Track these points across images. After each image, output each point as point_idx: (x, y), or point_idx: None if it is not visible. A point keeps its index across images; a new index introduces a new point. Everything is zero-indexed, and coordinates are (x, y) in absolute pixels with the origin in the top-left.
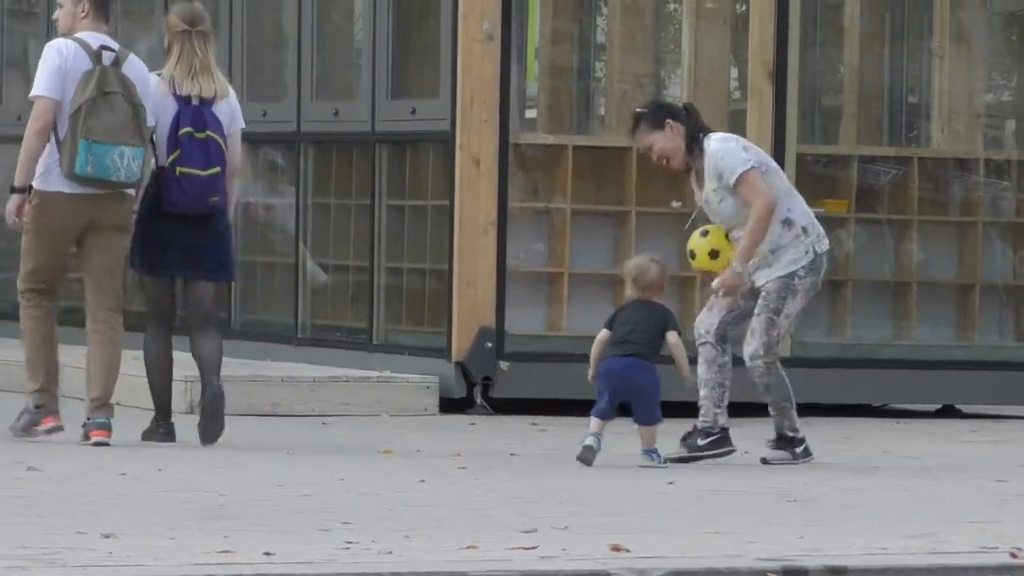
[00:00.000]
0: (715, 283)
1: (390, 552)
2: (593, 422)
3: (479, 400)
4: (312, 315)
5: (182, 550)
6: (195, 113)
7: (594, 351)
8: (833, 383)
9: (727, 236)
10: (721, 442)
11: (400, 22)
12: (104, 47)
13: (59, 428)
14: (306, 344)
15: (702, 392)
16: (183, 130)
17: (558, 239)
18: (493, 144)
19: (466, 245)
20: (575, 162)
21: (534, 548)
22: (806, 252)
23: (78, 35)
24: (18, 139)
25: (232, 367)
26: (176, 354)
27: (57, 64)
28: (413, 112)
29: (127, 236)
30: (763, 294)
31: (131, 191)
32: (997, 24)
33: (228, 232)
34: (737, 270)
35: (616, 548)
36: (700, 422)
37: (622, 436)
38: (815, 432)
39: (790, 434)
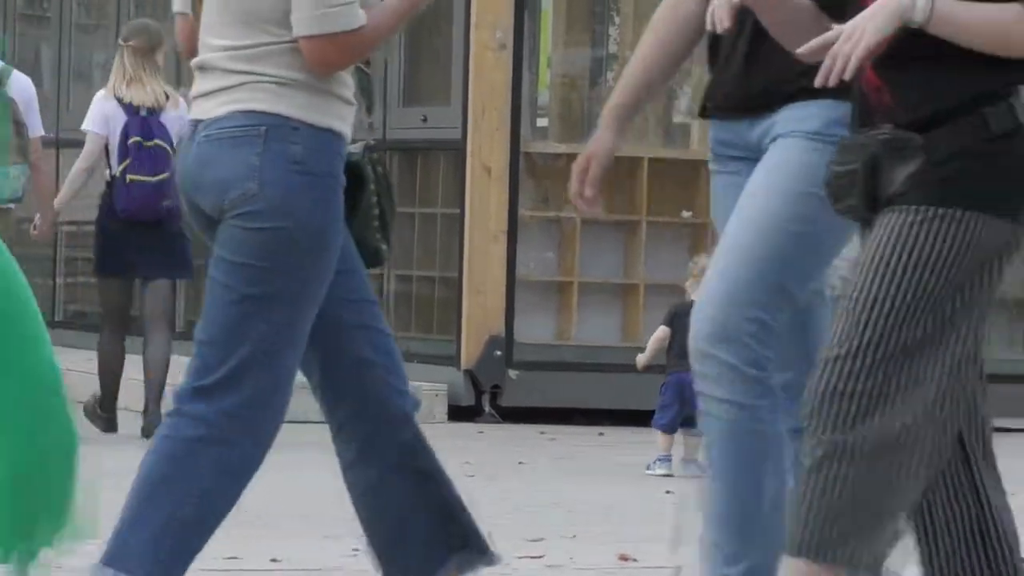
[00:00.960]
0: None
1: None
2: (662, 439)
3: (487, 408)
4: None
5: None
6: (142, 123)
7: (653, 347)
8: None
9: None
10: None
11: (412, 30)
12: None
13: None
14: None
15: None
16: (132, 139)
17: (568, 248)
18: (504, 152)
19: (476, 253)
20: None
21: (541, 557)
22: None
23: None
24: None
25: None
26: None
27: None
28: (424, 120)
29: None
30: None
31: (11, 206)
32: None
33: (183, 233)
34: None
35: (623, 557)
36: None
37: (628, 445)
38: None
39: None
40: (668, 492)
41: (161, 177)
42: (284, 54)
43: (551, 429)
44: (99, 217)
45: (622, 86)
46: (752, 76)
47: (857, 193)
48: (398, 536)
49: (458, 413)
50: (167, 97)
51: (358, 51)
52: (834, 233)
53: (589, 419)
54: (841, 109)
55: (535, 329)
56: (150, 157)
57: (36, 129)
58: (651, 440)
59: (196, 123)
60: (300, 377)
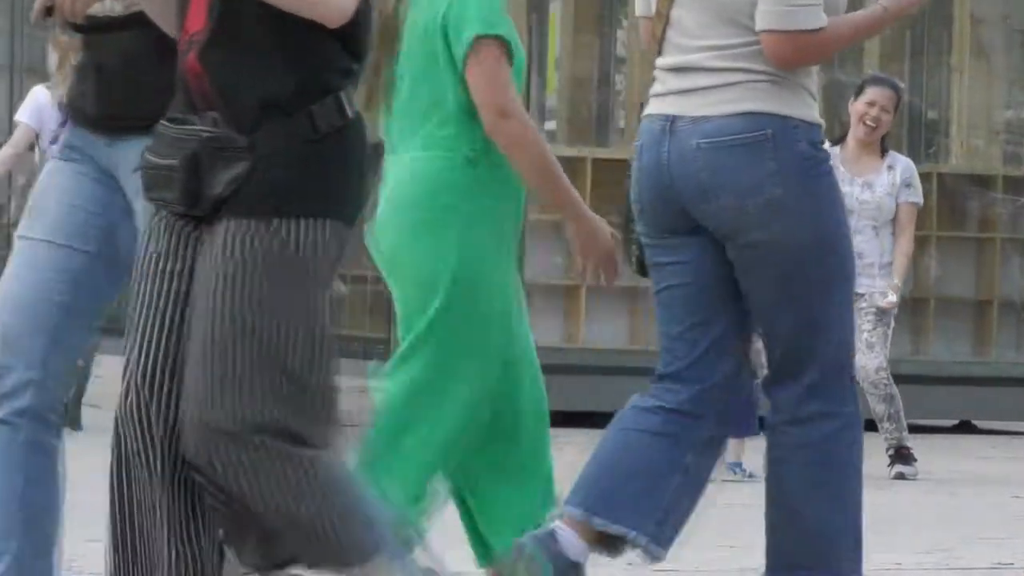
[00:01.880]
0: (886, 303)
1: None
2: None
3: None
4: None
5: None
6: None
7: None
8: None
9: None
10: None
11: None
12: None
13: None
14: None
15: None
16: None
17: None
18: None
19: None
20: (594, 174)
21: None
22: None
23: None
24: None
25: None
26: None
27: None
28: None
29: None
30: (876, 310)
31: None
32: (1017, 40)
33: None
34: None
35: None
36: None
37: None
38: None
39: (908, 446)
40: None
41: None
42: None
43: (561, 433)
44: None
45: None
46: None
47: (177, 189)
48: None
49: None
50: None
51: (814, 52)
52: None
53: (597, 423)
54: None
55: (543, 332)
56: None
57: None
58: None
59: (671, 119)
60: None
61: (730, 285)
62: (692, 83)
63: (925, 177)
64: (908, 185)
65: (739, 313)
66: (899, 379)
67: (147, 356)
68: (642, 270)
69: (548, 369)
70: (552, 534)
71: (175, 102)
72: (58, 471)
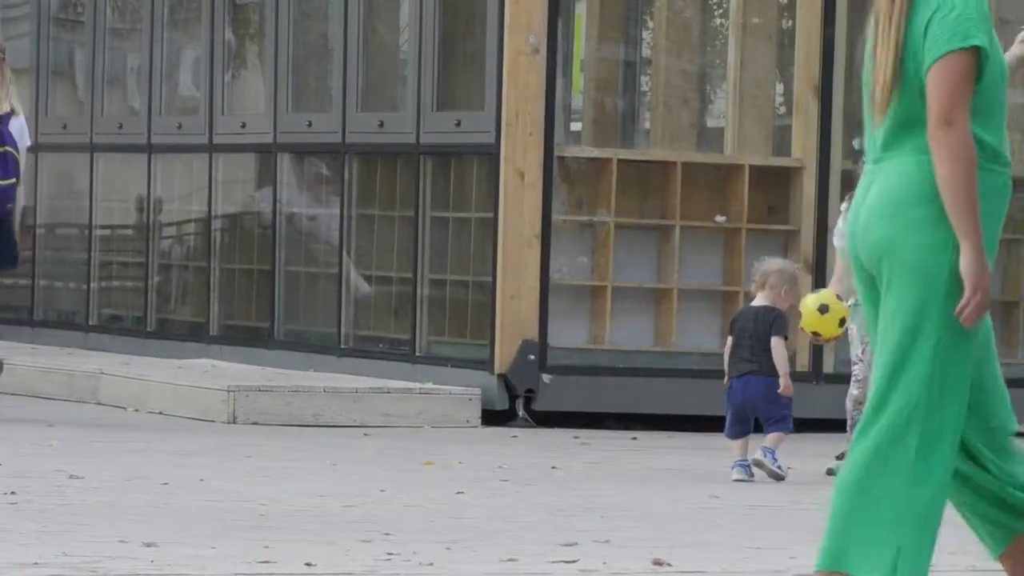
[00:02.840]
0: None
1: (431, 564)
2: (733, 445)
3: (521, 413)
4: (355, 326)
5: (223, 559)
6: None
7: (726, 361)
8: None
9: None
10: None
11: (446, 34)
12: None
13: None
14: (349, 355)
15: None
16: None
17: (601, 252)
18: (538, 157)
19: (510, 257)
20: (619, 175)
21: (575, 562)
22: None
23: None
24: (64, 147)
25: (275, 377)
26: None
27: None
28: (458, 124)
29: None
30: None
31: None
32: None
33: (13, 231)
34: None
35: (658, 562)
36: None
37: (661, 450)
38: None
39: None
40: (713, 496)
41: (9, 182)
42: None
43: (584, 433)
44: None
45: None
46: None
47: None
48: None
49: (492, 417)
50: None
51: None
52: None
53: (622, 423)
54: None
55: (569, 333)
56: (2, 161)
57: None
58: (683, 445)
59: None
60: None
61: None
62: None
63: None
64: None
65: None
66: None
67: None
68: None
69: (573, 370)
70: None
71: None
72: None
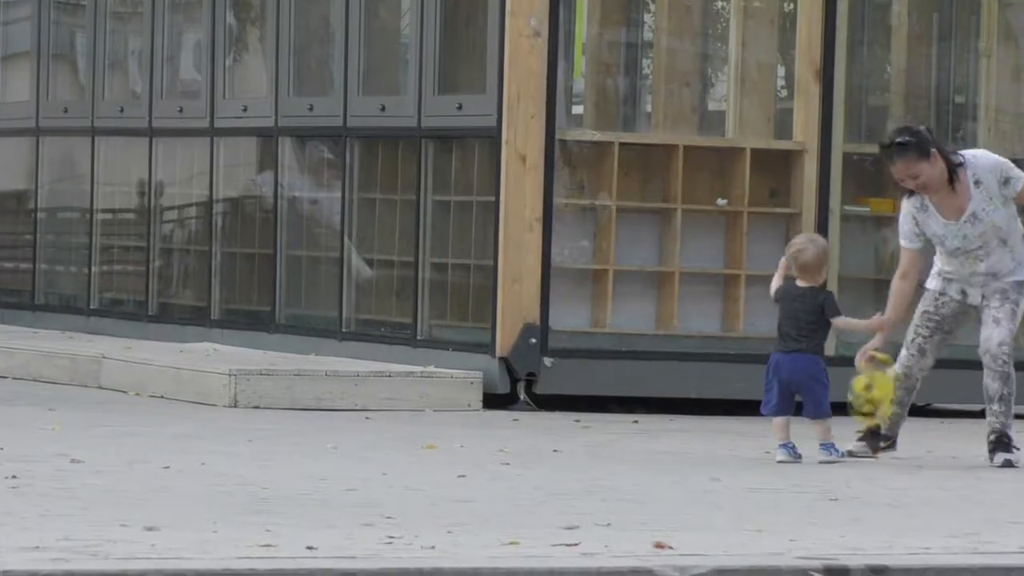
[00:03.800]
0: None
1: (433, 547)
2: (774, 423)
3: (523, 396)
4: (357, 310)
5: (224, 543)
6: None
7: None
8: None
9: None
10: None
11: (447, 18)
12: None
13: None
14: (351, 339)
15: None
16: None
17: (603, 236)
18: (539, 140)
19: (511, 241)
20: (621, 159)
21: (576, 545)
22: None
23: None
24: (65, 131)
25: (277, 361)
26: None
27: None
28: (460, 108)
29: None
30: (1003, 290)
31: None
32: None
33: None
34: None
35: (659, 545)
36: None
37: (662, 433)
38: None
39: (1012, 434)
40: (714, 479)
41: None
42: None
43: (586, 417)
44: None
45: None
46: None
47: None
48: None
49: (493, 401)
50: None
51: None
52: None
53: (624, 407)
54: None
55: (570, 317)
56: None
57: None
58: (685, 428)
59: None
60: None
61: None
62: None
63: None
64: (1006, 180)
65: None
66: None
67: None
68: None
69: (575, 353)
70: None
71: None
72: None
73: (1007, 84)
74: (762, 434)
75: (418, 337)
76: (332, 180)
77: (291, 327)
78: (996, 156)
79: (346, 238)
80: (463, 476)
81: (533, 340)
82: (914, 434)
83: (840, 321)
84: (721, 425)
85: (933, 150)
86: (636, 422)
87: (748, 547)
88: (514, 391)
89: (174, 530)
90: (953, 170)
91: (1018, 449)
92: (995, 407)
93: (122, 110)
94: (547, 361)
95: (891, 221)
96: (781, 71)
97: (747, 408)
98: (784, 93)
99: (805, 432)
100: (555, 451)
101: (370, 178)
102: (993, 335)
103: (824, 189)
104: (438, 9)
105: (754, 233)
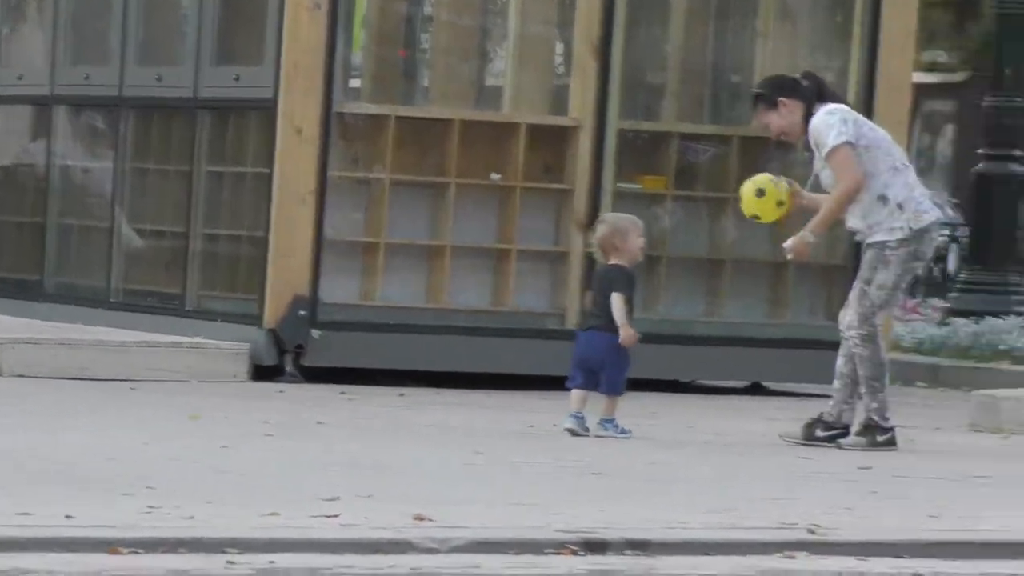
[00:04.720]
0: (786, 244)
1: (192, 517)
2: (571, 395)
3: (289, 368)
4: (126, 280)
5: None
6: None
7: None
8: (645, 358)
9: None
10: (837, 439)
11: None
12: None
13: None
14: (120, 309)
15: (835, 384)
16: None
17: (376, 209)
18: (316, 112)
19: (284, 213)
20: (397, 132)
21: (336, 516)
22: (900, 227)
23: None
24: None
25: (43, 329)
26: None
27: None
28: (237, 79)
29: None
30: (861, 266)
31: None
32: (822, 4)
33: None
34: (808, 239)
35: (419, 518)
36: (826, 414)
37: (428, 406)
38: (621, 406)
39: (875, 419)
40: (478, 453)
41: None
42: None
43: (351, 389)
44: None
45: None
46: None
47: None
48: None
49: (262, 373)
50: None
51: None
52: None
53: (394, 380)
54: None
55: (340, 290)
56: None
57: None
58: (451, 401)
59: None
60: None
61: None
62: None
63: (727, 140)
64: (816, 144)
65: None
66: (693, 340)
67: None
68: None
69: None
70: None
71: None
72: None
73: (783, 64)
74: (529, 408)
75: (187, 308)
76: (106, 150)
77: (60, 296)
78: (825, 117)
79: (117, 207)
80: (225, 447)
81: (302, 312)
82: (677, 410)
83: (614, 298)
84: (488, 400)
85: (782, 100)
86: (402, 395)
87: (509, 520)
88: (282, 363)
89: None
90: (807, 120)
91: (880, 437)
92: (862, 388)
93: None
94: (315, 333)
95: (663, 199)
96: (560, 47)
97: (515, 382)
98: (561, 69)
99: (566, 406)
100: (319, 423)
101: (145, 148)
102: (843, 319)
103: (598, 166)
104: None
105: (527, 209)
